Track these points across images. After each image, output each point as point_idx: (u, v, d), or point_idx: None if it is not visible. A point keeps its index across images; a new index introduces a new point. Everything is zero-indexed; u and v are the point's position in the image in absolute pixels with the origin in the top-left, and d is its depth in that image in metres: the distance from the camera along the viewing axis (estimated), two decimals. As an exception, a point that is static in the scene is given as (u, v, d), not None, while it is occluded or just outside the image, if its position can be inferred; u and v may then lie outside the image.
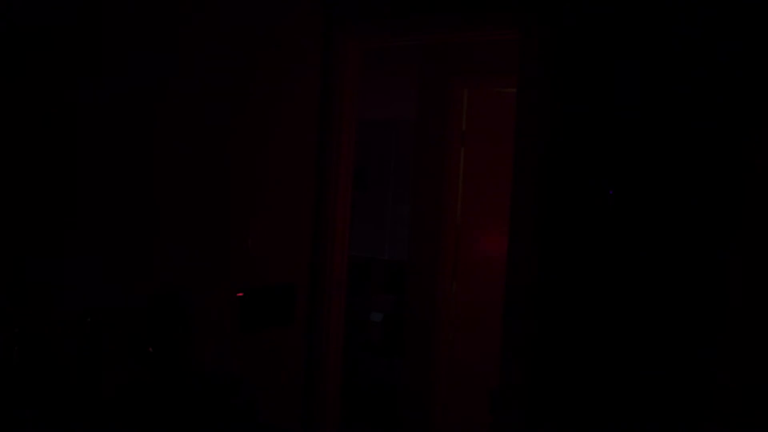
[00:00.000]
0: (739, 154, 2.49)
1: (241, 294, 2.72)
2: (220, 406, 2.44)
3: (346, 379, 3.51)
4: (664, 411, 2.57)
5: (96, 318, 2.18)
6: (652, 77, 2.62)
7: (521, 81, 2.88)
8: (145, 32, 2.44)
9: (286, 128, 3.06)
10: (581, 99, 2.74)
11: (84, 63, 2.27)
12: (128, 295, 2.40)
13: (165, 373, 2.39)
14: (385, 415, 4.99)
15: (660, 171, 2.61)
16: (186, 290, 2.52)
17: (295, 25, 3.08)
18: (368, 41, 3.35)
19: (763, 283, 2.45)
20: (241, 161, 2.84)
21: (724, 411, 2.50)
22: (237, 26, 2.78)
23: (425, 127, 4.56)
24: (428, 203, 4.49)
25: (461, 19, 3.05)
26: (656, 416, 2.59)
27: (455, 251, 4.44)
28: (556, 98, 2.77)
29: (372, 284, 6.37)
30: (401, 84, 5.28)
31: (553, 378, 2.76)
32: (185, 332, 2.49)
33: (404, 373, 4.58)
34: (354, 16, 3.20)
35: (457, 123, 4.41)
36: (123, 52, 2.37)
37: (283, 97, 3.03)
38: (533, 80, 2.83)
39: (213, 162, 2.72)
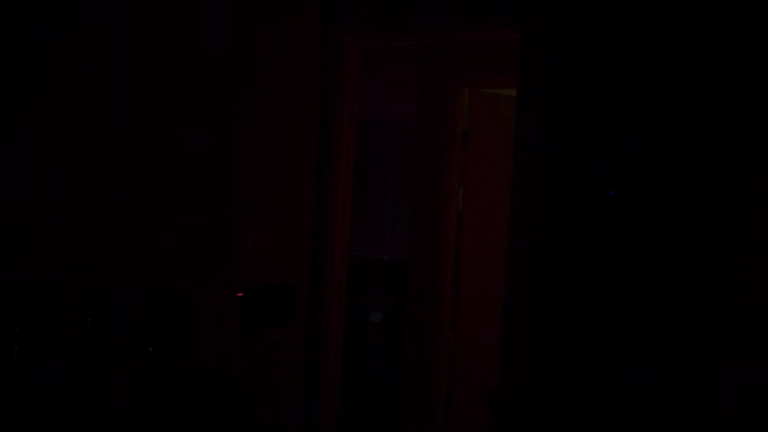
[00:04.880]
0: (738, 150, 2.49)
1: (241, 294, 2.71)
2: (220, 406, 2.44)
3: (346, 379, 3.51)
4: (665, 412, 2.57)
5: (96, 318, 2.18)
6: (653, 77, 2.62)
7: (521, 81, 2.88)
8: (146, 32, 2.44)
9: (285, 128, 3.06)
10: (581, 98, 2.74)
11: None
12: (128, 295, 2.40)
13: (165, 374, 2.39)
14: (385, 415, 4.99)
15: (661, 169, 2.61)
16: (186, 290, 2.52)
17: (295, 25, 3.08)
18: (368, 41, 3.35)
19: (764, 283, 2.45)
20: (241, 161, 2.84)
21: (727, 412, 2.50)
22: (237, 26, 2.78)
23: (425, 126, 4.56)
24: (428, 203, 4.49)
25: (461, 19, 3.05)
26: (657, 417, 2.59)
27: (455, 251, 4.44)
28: (557, 98, 2.77)
29: (372, 284, 6.38)
30: (401, 84, 5.28)
31: (554, 378, 2.76)
32: (185, 332, 2.49)
33: (404, 373, 4.58)
34: (354, 16, 3.20)
35: (457, 123, 4.41)
36: (123, 52, 2.37)
37: (282, 97, 3.02)
38: (533, 80, 2.83)
39: (213, 162, 2.72)
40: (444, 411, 4.43)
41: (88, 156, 2.29)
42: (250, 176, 2.88)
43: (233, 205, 2.82)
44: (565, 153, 2.76)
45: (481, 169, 4.45)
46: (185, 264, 2.61)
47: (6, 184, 2.09)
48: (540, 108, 2.80)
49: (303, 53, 3.13)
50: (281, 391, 3.12)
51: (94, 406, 2.14)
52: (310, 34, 3.15)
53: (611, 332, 2.67)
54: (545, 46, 2.79)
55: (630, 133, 2.66)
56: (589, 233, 2.72)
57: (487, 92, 4.48)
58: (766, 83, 2.44)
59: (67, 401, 2.11)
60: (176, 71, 2.56)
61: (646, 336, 2.62)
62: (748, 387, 2.47)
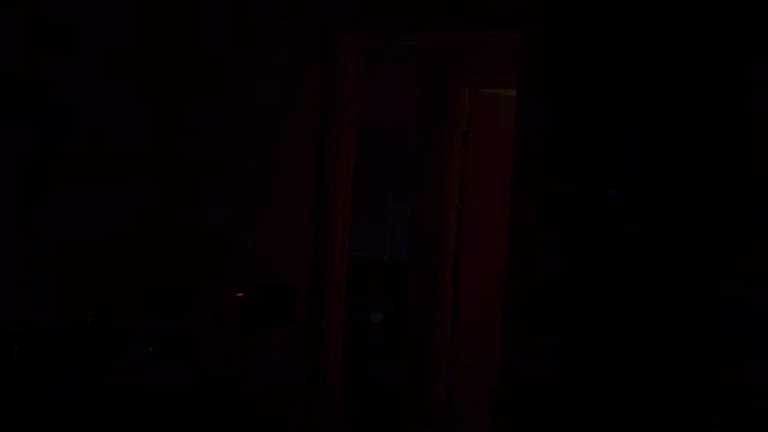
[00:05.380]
0: (739, 149, 2.49)
1: (241, 294, 2.71)
2: (221, 406, 2.44)
3: (346, 379, 3.51)
4: (665, 412, 2.57)
5: (96, 318, 2.18)
6: (653, 79, 2.62)
7: (521, 81, 2.88)
8: (145, 30, 2.44)
9: (285, 128, 3.06)
10: (581, 98, 2.74)
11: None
12: (128, 295, 2.40)
13: (165, 374, 2.39)
14: (385, 415, 4.99)
15: (661, 169, 2.61)
16: (186, 290, 2.52)
17: (295, 25, 3.08)
18: (368, 41, 3.35)
19: (762, 287, 2.45)
20: (242, 161, 2.84)
21: (725, 412, 2.50)
22: (237, 26, 2.78)
23: (425, 127, 4.56)
24: (428, 203, 4.49)
25: (461, 19, 3.05)
26: (656, 417, 2.59)
27: (455, 251, 4.44)
28: (557, 98, 2.77)
29: (372, 284, 6.37)
30: (401, 84, 5.28)
31: (553, 378, 2.76)
32: (186, 332, 2.49)
33: (404, 373, 4.58)
34: (354, 16, 3.20)
35: (457, 123, 4.41)
36: (124, 52, 2.37)
37: (283, 97, 3.03)
38: (533, 80, 2.83)
39: (212, 162, 2.72)
40: (444, 411, 4.43)
41: (87, 154, 2.29)
42: (250, 176, 2.88)
43: (233, 205, 2.82)
44: (565, 153, 2.75)
45: (481, 169, 4.45)
46: (185, 264, 2.61)
47: (4, 183, 2.09)
48: (540, 108, 2.80)
49: (303, 53, 3.13)
50: (281, 391, 3.12)
51: (94, 407, 2.14)
52: (310, 34, 3.16)
53: (611, 332, 2.67)
54: (545, 46, 2.79)
55: (630, 133, 2.66)
56: (589, 233, 2.72)
57: (487, 92, 4.48)
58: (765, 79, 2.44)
59: (67, 401, 2.11)
60: (176, 71, 2.56)
61: (645, 336, 2.62)
62: (748, 388, 2.47)
